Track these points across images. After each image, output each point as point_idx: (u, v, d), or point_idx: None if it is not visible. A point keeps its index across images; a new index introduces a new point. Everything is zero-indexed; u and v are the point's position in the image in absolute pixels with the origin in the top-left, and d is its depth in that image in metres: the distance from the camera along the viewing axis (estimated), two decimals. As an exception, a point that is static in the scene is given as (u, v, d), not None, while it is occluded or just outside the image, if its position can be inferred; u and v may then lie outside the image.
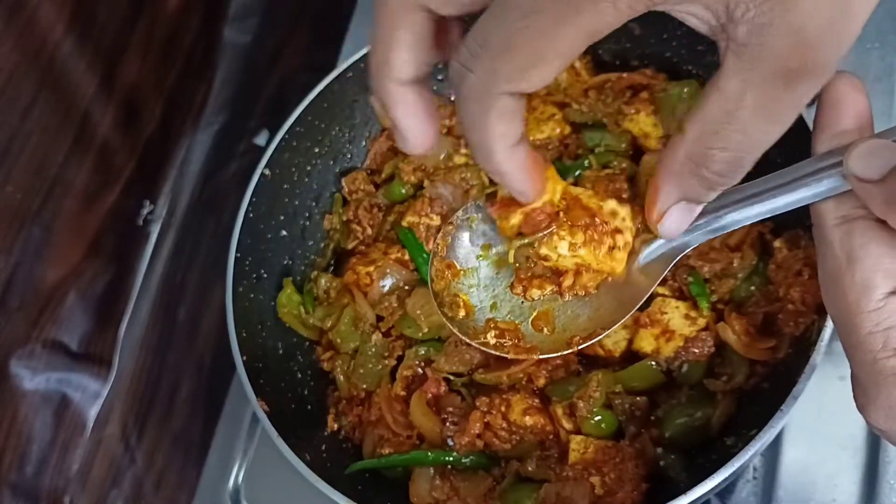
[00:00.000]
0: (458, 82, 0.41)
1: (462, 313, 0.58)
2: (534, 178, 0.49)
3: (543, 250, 0.53)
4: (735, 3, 0.36)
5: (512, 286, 0.57)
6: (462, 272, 0.59)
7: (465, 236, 0.59)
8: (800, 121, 0.75)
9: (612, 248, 0.52)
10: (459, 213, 0.59)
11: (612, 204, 0.53)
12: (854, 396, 0.48)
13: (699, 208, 0.47)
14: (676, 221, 0.48)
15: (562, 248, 0.52)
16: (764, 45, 0.37)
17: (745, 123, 0.40)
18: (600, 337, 0.56)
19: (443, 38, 0.47)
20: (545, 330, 0.57)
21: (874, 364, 0.44)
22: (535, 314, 0.57)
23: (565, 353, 0.57)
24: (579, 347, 0.56)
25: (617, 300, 0.55)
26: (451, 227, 0.58)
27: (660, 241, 0.53)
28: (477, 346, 0.57)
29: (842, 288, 0.45)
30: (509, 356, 0.58)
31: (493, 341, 0.57)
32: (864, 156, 0.43)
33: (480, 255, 0.58)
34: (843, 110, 0.46)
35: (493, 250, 0.58)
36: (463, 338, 0.58)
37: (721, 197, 0.49)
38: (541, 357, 0.58)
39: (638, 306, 0.55)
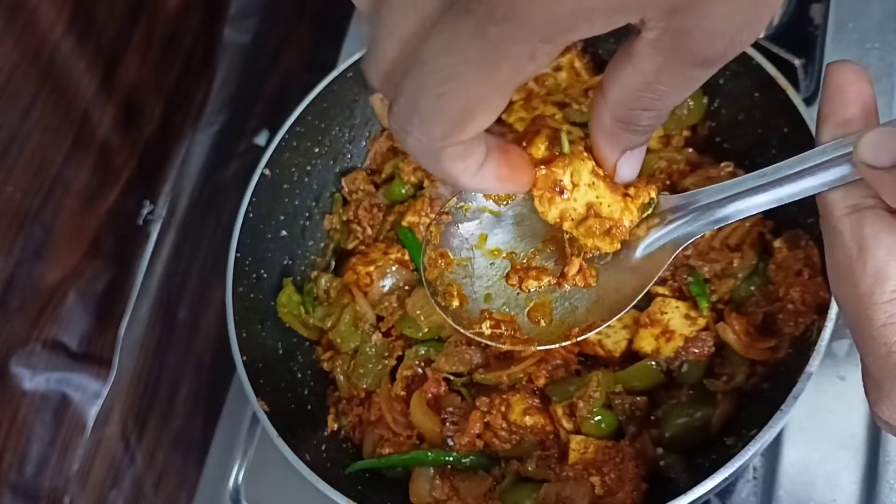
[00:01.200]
0: (401, 140, 0.41)
1: (455, 303, 0.57)
2: (516, 178, 0.47)
3: (563, 176, 0.49)
4: (649, 17, 0.36)
5: (507, 277, 0.56)
6: (456, 261, 0.57)
7: (459, 225, 0.57)
8: (798, 119, 0.76)
9: (625, 196, 0.51)
10: (453, 200, 0.58)
11: None
12: (865, 391, 0.47)
13: (643, 148, 0.48)
14: (630, 167, 0.48)
15: (585, 175, 0.49)
16: (679, 46, 0.37)
17: (664, 93, 0.40)
18: (600, 328, 0.54)
19: None
20: (542, 322, 0.56)
21: (889, 357, 0.43)
22: (531, 305, 0.56)
23: (564, 344, 0.56)
24: (578, 339, 0.55)
25: (617, 291, 0.54)
26: (445, 216, 0.57)
27: (661, 231, 0.52)
28: (472, 335, 0.56)
29: (853, 279, 0.44)
30: (505, 347, 0.57)
31: (488, 331, 0.56)
32: (875, 143, 0.42)
33: (475, 245, 0.58)
34: (847, 99, 0.45)
35: (489, 240, 0.57)
36: (457, 327, 0.56)
37: (725, 187, 0.49)
38: (539, 348, 0.57)
39: (639, 298, 0.53)
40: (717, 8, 0.35)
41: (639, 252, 0.53)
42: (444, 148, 0.40)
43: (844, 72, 0.45)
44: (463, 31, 0.35)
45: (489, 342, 0.56)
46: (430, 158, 0.41)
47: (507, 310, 0.57)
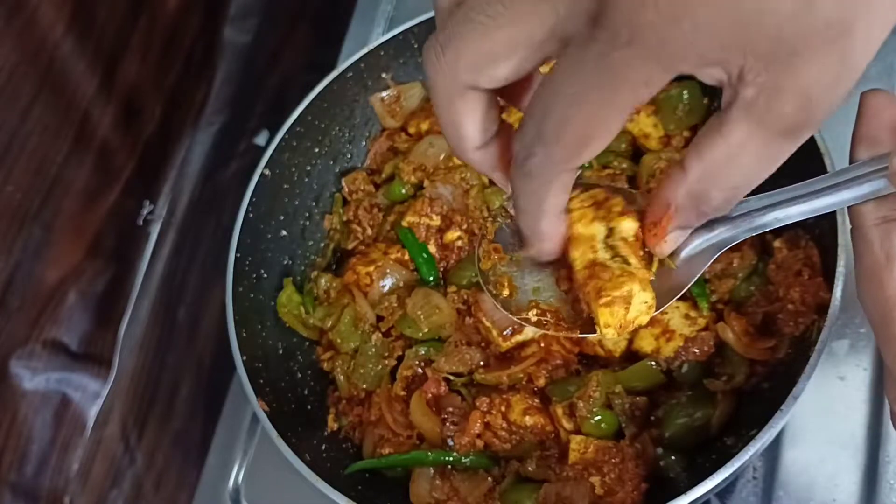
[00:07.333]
0: (523, 162, 0.45)
1: (506, 292, 0.61)
2: (561, 243, 0.54)
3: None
4: (749, 67, 0.38)
5: (558, 282, 0.60)
6: (508, 257, 0.62)
7: (513, 225, 0.62)
8: (810, 141, 0.76)
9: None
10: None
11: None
12: (886, 392, 0.50)
13: (690, 231, 0.52)
14: (672, 245, 0.52)
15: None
16: (772, 107, 0.39)
17: (746, 168, 0.42)
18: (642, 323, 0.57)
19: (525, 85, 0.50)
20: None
21: None
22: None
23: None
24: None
25: (658, 289, 0.56)
26: (503, 214, 0.62)
27: (705, 236, 0.55)
28: (519, 321, 0.61)
29: (880, 284, 0.48)
30: (550, 332, 0.61)
31: (534, 318, 0.61)
32: None
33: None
34: (881, 122, 0.50)
35: None
36: (505, 312, 0.61)
37: (767, 197, 0.53)
38: (580, 336, 0.61)
39: (679, 295, 0.57)
40: (812, 68, 0.37)
41: (683, 254, 0.56)
42: (561, 173, 0.45)
43: (879, 99, 0.50)
44: (588, 58, 0.39)
45: (535, 327, 0.61)
46: (541, 183, 0.46)
47: (553, 302, 0.61)
